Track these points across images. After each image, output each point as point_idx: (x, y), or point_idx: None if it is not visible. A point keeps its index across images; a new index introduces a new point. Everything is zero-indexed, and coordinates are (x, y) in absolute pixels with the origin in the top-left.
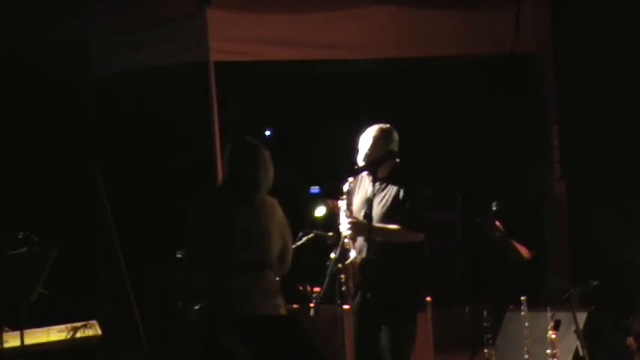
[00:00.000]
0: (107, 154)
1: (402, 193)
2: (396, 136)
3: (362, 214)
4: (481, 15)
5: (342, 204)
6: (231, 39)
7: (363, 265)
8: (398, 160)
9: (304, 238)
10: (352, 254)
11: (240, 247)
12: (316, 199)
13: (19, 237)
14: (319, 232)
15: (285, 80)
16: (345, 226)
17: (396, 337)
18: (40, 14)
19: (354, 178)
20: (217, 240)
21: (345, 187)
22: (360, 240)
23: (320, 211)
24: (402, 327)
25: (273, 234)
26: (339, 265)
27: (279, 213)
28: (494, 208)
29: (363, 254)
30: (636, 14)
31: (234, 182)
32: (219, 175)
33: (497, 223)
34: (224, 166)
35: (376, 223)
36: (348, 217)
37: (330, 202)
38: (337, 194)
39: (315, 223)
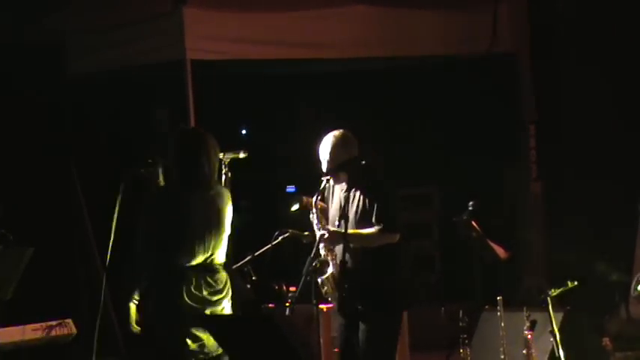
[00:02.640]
0: (83, 154)
1: (369, 197)
2: (353, 139)
3: (336, 222)
4: (458, 15)
5: (313, 217)
6: (208, 38)
7: (343, 269)
8: (363, 162)
9: (280, 237)
10: (330, 268)
11: (196, 248)
12: (291, 197)
13: None
14: (295, 232)
15: (261, 79)
16: (321, 238)
17: (379, 337)
18: (15, 13)
19: (328, 180)
20: (171, 237)
21: (315, 200)
22: (339, 249)
23: (293, 207)
24: (386, 327)
25: (226, 227)
26: (320, 279)
27: (230, 199)
28: (470, 208)
29: (342, 258)
30: (614, 14)
31: (186, 174)
32: None
33: (473, 223)
34: (171, 159)
35: (350, 229)
36: (320, 229)
37: (304, 198)
38: (313, 193)
39: (290, 222)
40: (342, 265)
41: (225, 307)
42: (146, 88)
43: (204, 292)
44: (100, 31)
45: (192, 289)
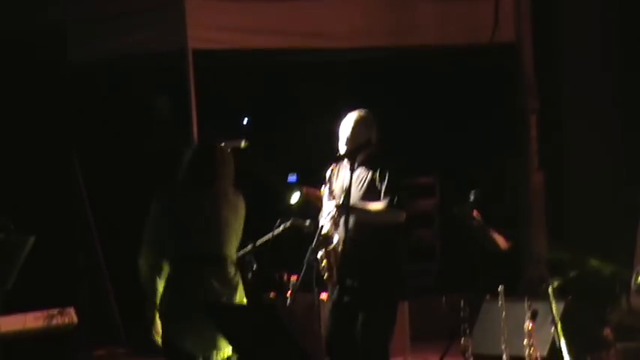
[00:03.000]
0: (84, 141)
1: (378, 176)
2: (374, 122)
3: (341, 200)
4: (460, 4)
5: (324, 190)
6: (209, 27)
7: (344, 252)
8: (375, 148)
9: (281, 226)
10: (335, 239)
11: (201, 236)
12: (292, 186)
13: None
14: (296, 221)
15: (262, 68)
16: (330, 210)
17: (376, 325)
18: (17, 2)
19: (336, 165)
20: (177, 227)
21: (327, 174)
22: (341, 228)
23: (294, 198)
24: (382, 314)
25: (234, 227)
26: (321, 252)
27: (242, 208)
28: (471, 198)
29: (345, 235)
30: (616, 3)
31: (194, 172)
32: None
33: (474, 212)
34: (183, 167)
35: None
36: (331, 200)
37: (304, 189)
38: (315, 183)
39: (291, 211)
40: (343, 243)
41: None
42: (147, 78)
43: (214, 285)
44: (101, 20)
45: (201, 280)
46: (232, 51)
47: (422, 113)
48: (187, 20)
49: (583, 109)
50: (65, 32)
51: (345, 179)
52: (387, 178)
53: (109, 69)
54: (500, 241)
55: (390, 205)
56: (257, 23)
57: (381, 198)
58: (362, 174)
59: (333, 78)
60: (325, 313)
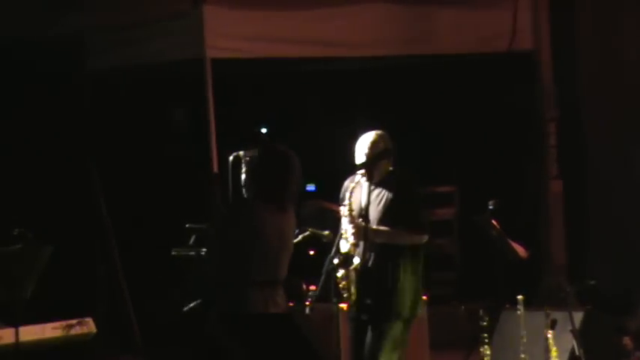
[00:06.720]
0: (103, 151)
1: (398, 197)
2: (391, 141)
3: (359, 218)
4: (478, 12)
5: (343, 209)
6: (228, 36)
7: (362, 271)
8: (391, 167)
9: (300, 236)
10: (356, 260)
11: (264, 263)
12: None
13: (15, 233)
14: (315, 230)
15: (281, 77)
16: (349, 232)
17: (385, 343)
18: (36, 10)
19: (351, 181)
20: (242, 249)
21: (342, 193)
22: (361, 248)
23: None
24: (393, 333)
25: (291, 246)
26: (341, 272)
27: (294, 224)
28: (490, 207)
29: (364, 257)
30: (635, 10)
31: (267, 194)
32: (214, 173)
33: (493, 221)
34: (250, 175)
35: (376, 226)
36: (350, 222)
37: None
38: (333, 192)
39: (308, 221)
40: (363, 264)
41: None
42: (166, 86)
43: (269, 309)
44: (119, 29)
45: (260, 305)
46: (250, 60)
47: (440, 122)
48: (206, 29)
49: (603, 115)
50: (84, 41)
51: (362, 198)
52: (407, 202)
53: (127, 78)
54: (519, 249)
55: (412, 230)
56: (275, 32)
57: (403, 222)
58: (381, 193)
59: (351, 86)
60: (343, 323)
